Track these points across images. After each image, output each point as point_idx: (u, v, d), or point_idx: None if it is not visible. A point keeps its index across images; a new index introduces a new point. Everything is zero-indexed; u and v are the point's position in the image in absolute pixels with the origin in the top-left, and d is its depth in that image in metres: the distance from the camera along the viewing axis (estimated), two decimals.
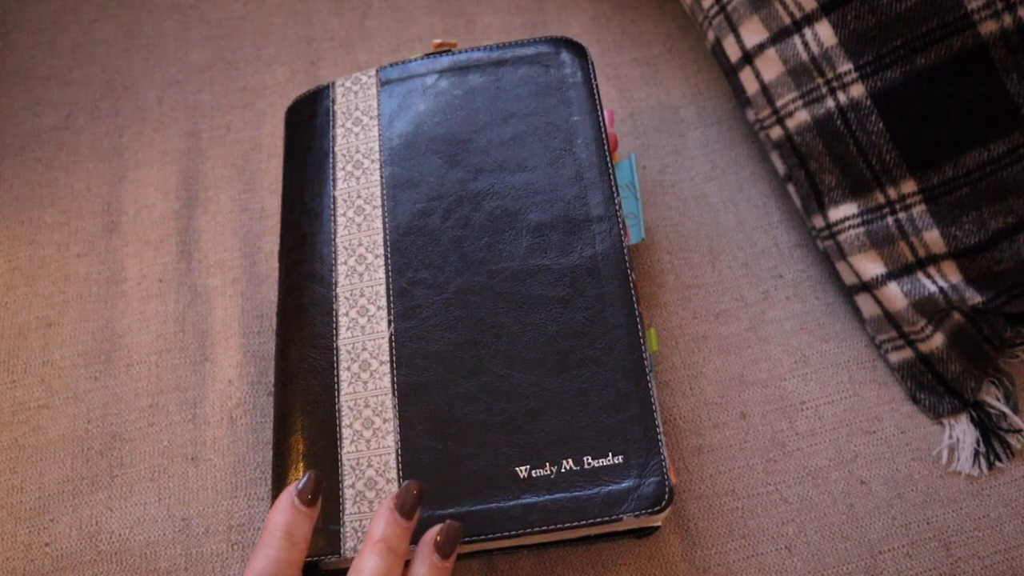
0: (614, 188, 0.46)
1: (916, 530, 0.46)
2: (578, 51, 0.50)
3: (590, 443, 0.41)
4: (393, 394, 0.43)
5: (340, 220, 0.48)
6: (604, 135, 0.48)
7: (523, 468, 0.40)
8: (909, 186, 0.47)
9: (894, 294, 0.49)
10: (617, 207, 0.45)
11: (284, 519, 0.36)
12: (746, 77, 0.53)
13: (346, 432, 0.43)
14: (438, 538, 0.36)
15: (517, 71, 0.50)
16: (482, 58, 0.51)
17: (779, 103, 0.52)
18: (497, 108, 0.49)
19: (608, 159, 0.47)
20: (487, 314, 0.44)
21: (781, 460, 0.48)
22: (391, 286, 0.46)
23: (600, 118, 0.48)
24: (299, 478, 0.38)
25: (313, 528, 0.37)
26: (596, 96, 0.49)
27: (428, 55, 0.52)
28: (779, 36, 0.50)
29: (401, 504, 0.37)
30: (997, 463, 0.48)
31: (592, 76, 0.50)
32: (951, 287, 0.47)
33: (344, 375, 0.44)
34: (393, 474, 0.41)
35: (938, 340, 0.49)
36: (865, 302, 0.51)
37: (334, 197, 0.49)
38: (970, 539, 0.46)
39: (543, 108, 0.49)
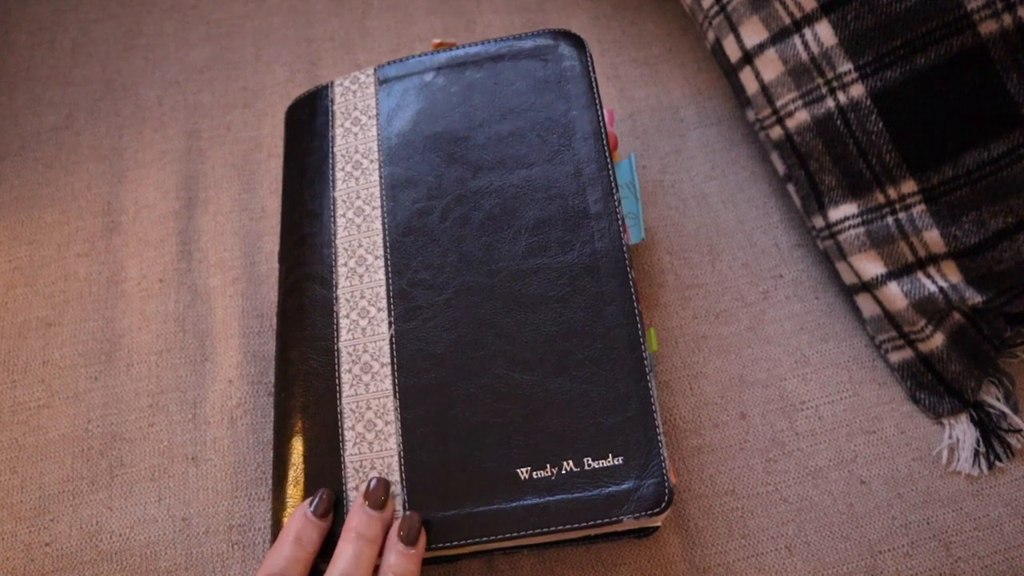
0: (613, 184, 0.46)
1: (916, 530, 0.46)
2: (576, 43, 0.50)
3: (590, 444, 0.41)
4: (395, 396, 0.43)
5: (340, 221, 0.48)
6: (603, 130, 0.47)
7: (524, 469, 0.40)
8: (909, 186, 0.47)
9: (894, 294, 0.49)
10: (616, 203, 0.45)
11: (295, 525, 0.40)
12: (746, 77, 0.53)
13: (348, 435, 0.43)
14: (400, 532, 0.40)
15: (515, 66, 0.50)
16: (480, 53, 0.51)
17: (779, 103, 0.52)
18: (495, 104, 0.49)
19: (607, 154, 0.46)
20: (487, 314, 0.44)
21: (781, 460, 0.48)
22: (391, 287, 0.45)
23: (599, 112, 0.48)
24: (312, 493, 0.42)
25: (325, 537, 0.41)
26: (595, 90, 0.48)
27: (426, 55, 0.52)
28: (779, 36, 0.50)
29: (368, 497, 0.41)
30: (997, 463, 0.48)
31: (591, 69, 0.49)
32: (951, 287, 0.47)
33: (345, 377, 0.44)
34: (396, 476, 0.41)
35: (938, 340, 0.49)
36: (865, 302, 0.51)
37: (333, 198, 0.49)
38: (970, 539, 0.46)
39: (541, 103, 0.48)
